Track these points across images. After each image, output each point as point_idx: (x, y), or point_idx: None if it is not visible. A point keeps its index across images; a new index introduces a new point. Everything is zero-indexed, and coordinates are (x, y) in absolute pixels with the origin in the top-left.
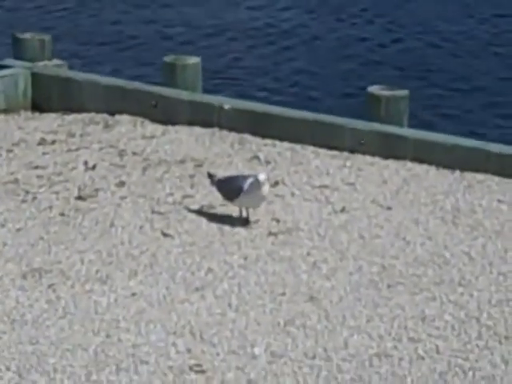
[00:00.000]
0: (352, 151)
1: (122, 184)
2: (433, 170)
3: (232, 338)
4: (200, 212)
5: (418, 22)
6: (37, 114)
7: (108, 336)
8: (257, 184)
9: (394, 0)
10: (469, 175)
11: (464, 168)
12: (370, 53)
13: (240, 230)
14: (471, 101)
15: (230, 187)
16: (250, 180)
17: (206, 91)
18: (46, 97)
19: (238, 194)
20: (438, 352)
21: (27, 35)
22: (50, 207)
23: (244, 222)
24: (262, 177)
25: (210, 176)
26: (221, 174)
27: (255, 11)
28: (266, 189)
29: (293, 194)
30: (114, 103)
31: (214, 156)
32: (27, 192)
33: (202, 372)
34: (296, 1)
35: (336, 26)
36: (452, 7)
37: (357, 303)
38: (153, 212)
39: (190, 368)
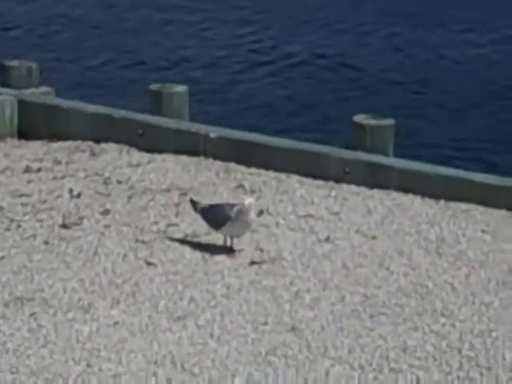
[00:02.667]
0: (337, 180)
1: (106, 212)
2: (418, 199)
3: (213, 368)
4: (184, 241)
5: (405, 50)
6: (23, 142)
7: (89, 365)
8: (244, 211)
9: (388, 28)
10: (453, 205)
11: (448, 198)
12: (356, 81)
13: (223, 259)
14: (457, 131)
15: (216, 215)
16: (236, 208)
17: (192, 118)
18: (33, 124)
19: (224, 223)
20: (418, 383)
21: (14, 62)
22: (34, 235)
23: (228, 250)
24: (248, 201)
25: (193, 203)
26: (204, 201)
27: (240, 37)
28: (252, 215)
29: (277, 224)
30: (101, 131)
31: (200, 185)
32: (12, 220)
33: None
34: (282, 26)
35: (323, 54)
36: (443, 34)
37: (339, 333)
38: (137, 241)
39: None
